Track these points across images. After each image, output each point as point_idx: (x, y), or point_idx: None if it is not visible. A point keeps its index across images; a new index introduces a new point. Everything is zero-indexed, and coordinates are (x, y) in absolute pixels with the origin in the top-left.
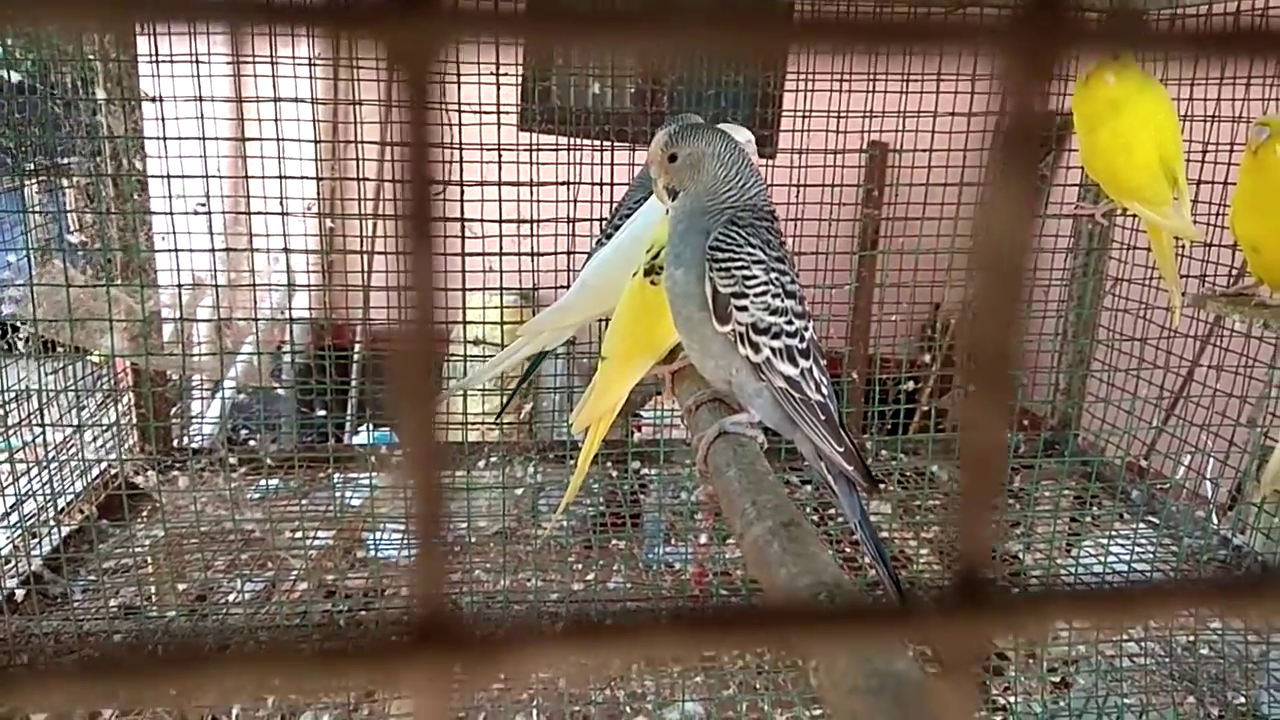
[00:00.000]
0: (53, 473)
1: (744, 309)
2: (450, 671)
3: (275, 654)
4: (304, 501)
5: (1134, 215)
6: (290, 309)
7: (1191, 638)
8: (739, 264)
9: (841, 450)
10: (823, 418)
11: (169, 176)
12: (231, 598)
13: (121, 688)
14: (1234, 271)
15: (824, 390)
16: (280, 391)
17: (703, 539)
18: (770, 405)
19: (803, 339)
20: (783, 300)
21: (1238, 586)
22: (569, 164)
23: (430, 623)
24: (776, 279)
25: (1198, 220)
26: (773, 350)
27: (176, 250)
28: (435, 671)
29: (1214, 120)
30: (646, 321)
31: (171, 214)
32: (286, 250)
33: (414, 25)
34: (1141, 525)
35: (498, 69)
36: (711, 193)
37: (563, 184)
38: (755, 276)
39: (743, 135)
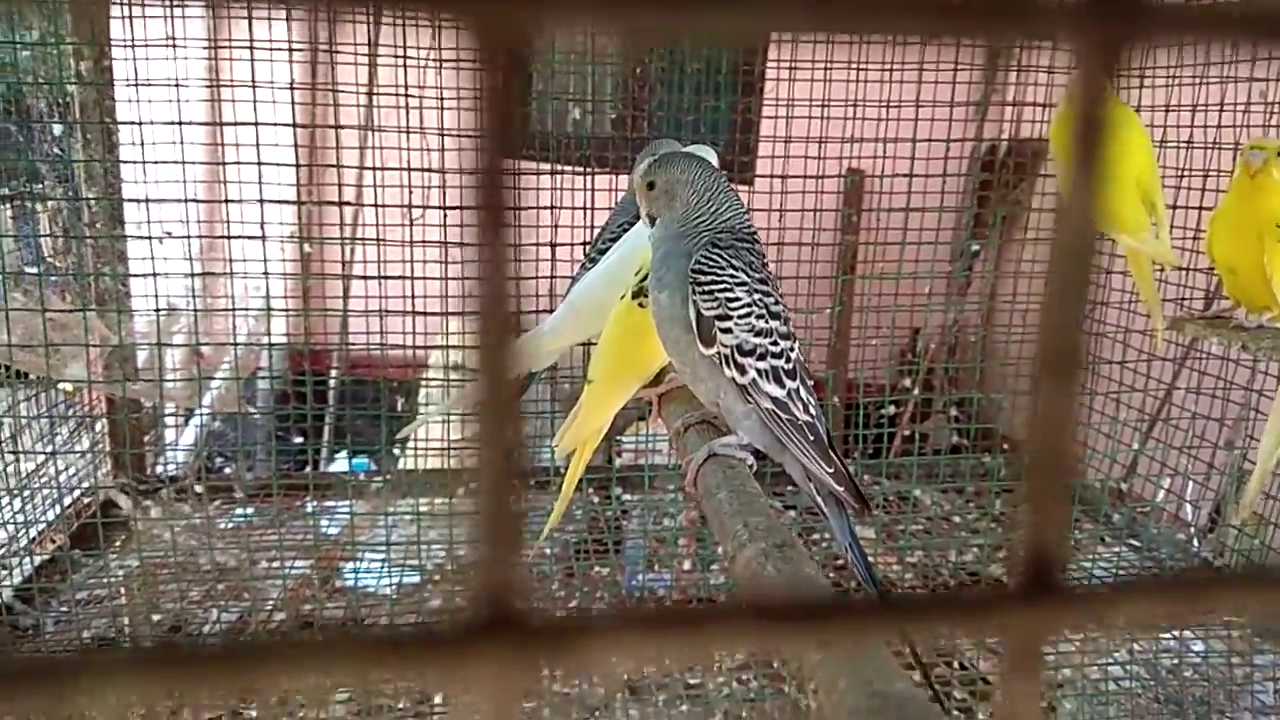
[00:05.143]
0: (25, 501)
1: (728, 331)
2: (522, 662)
3: (339, 645)
4: (280, 530)
5: (1111, 240)
6: (269, 334)
7: (1176, 660)
8: (721, 286)
9: (831, 471)
10: (811, 438)
11: (147, 201)
12: (206, 629)
13: (178, 683)
14: (1208, 295)
15: (812, 411)
16: (257, 418)
17: (686, 565)
18: (758, 427)
19: (788, 360)
20: (767, 321)
21: None
22: (550, 189)
23: (498, 613)
24: (759, 300)
25: (1173, 245)
26: (759, 371)
27: (155, 275)
28: (506, 662)
29: (1188, 146)
30: (634, 344)
31: (150, 239)
32: (265, 274)
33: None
34: (1123, 548)
35: (478, 93)
36: (684, 219)
37: (544, 209)
38: (738, 299)
39: (710, 156)
